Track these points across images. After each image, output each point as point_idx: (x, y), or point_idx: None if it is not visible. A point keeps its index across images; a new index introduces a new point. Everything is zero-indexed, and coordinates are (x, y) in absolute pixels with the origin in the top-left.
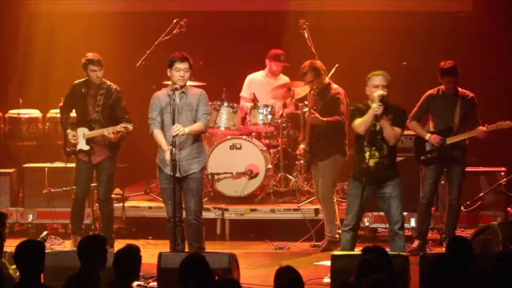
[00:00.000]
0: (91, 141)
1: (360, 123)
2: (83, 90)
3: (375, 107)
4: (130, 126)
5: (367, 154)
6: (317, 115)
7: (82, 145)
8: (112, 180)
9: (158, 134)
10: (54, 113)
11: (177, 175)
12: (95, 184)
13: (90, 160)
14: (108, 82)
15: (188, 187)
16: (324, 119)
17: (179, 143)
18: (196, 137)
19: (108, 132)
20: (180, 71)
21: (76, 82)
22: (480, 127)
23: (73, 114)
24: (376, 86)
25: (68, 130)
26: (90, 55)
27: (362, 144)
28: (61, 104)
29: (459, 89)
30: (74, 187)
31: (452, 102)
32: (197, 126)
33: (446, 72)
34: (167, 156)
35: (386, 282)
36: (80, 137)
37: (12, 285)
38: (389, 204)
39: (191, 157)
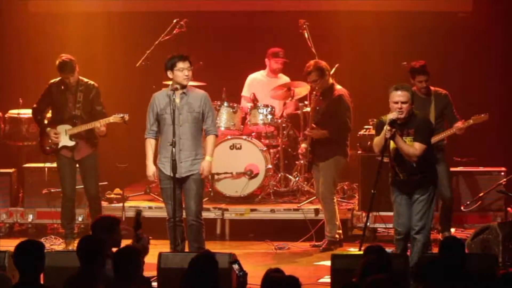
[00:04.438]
0: (75, 137)
1: (375, 144)
2: (62, 88)
3: (385, 131)
4: (126, 116)
5: (396, 170)
6: (315, 131)
7: (66, 141)
8: (99, 176)
9: (148, 144)
10: None
11: (177, 175)
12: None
13: (73, 156)
14: (85, 79)
15: (188, 187)
16: (326, 130)
17: (179, 144)
18: (196, 138)
19: (100, 124)
20: (183, 70)
21: (52, 81)
22: (457, 124)
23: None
24: (396, 102)
25: (48, 129)
26: (60, 61)
27: (391, 160)
28: (34, 105)
29: (431, 87)
30: (60, 189)
31: (425, 103)
32: (212, 144)
33: (418, 71)
34: (149, 171)
35: (385, 282)
36: (62, 134)
37: (10, 286)
38: (413, 208)
39: (191, 158)
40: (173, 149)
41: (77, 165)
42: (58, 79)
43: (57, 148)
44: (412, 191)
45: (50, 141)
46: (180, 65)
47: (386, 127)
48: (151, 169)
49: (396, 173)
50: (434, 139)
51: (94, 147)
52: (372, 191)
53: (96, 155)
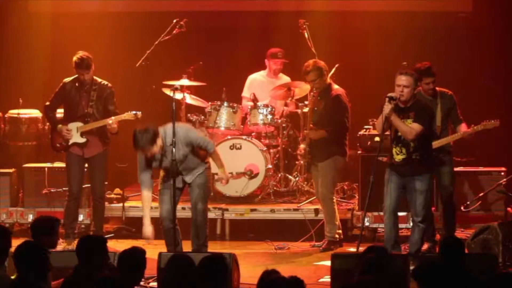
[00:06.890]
0: (86, 134)
1: (376, 124)
2: (76, 85)
3: (384, 107)
4: (139, 113)
5: (394, 151)
6: (313, 132)
7: (77, 138)
8: (107, 176)
9: (144, 198)
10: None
11: (180, 185)
12: (88, 185)
13: (83, 153)
14: (99, 80)
15: (193, 193)
16: (324, 130)
17: (178, 157)
18: (191, 158)
19: (112, 120)
20: None
21: (66, 80)
22: (464, 130)
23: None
24: (398, 85)
25: (60, 126)
26: (78, 57)
27: (391, 141)
28: (47, 103)
29: (437, 88)
30: (67, 188)
31: (432, 105)
32: (217, 158)
33: (425, 73)
34: (146, 232)
35: (371, 285)
36: (74, 131)
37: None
38: (414, 198)
39: (191, 167)
40: (173, 149)
41: (86, 164)
42: (72, 77)
43: (67, 145)
44: (409, 176)
45: (61, 138)
46: None
47: (385, 104)
48: (148, 230)
49: (393, 155)
50: (441, 142)
51: (105, 145)
52: (371, 177)
53: (106, 154)
